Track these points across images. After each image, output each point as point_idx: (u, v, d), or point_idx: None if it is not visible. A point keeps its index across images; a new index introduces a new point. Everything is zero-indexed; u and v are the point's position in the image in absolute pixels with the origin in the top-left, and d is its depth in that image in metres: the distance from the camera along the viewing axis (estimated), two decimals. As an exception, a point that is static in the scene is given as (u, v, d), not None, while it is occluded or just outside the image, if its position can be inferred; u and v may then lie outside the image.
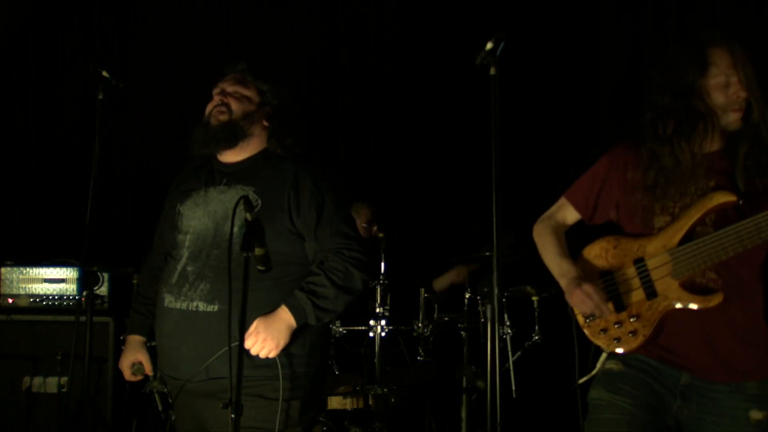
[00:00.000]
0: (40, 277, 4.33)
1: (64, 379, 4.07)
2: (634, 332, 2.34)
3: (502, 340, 4.08)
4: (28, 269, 4.33)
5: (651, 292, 2.33)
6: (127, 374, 2.93)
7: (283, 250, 2.67)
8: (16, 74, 5.22)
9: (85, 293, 3.25)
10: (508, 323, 4.12)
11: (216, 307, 2.59)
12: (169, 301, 2.69)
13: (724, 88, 2.30)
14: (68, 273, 4.32)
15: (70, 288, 4.31)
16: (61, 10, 5.24)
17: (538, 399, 4.33)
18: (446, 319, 4.26)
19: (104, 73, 3.24)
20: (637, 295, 2.35)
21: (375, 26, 5.24)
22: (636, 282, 2.36)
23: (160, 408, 4.01)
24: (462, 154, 4.89)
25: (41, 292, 4.31)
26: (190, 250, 2.70)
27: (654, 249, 2.34)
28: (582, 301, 2.35)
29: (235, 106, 2.79)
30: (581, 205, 2.55)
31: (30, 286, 4.31)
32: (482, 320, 4.02)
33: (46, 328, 4.21)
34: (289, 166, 2.76)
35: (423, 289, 4.17)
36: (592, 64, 4.90)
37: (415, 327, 4.10)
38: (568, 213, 2.58)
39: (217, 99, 2.82)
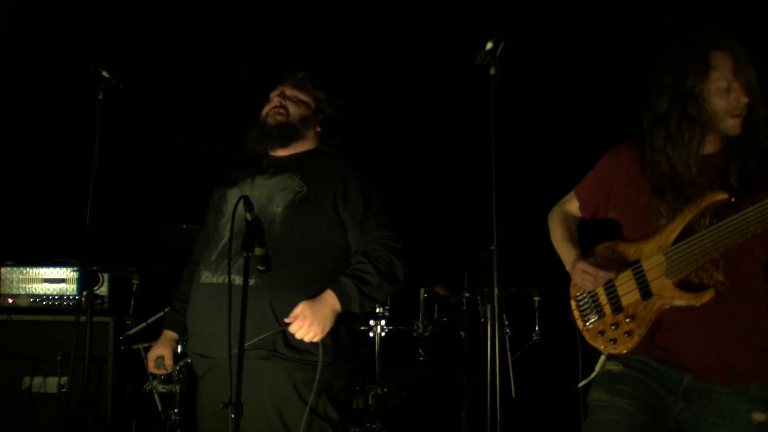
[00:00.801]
0: (40, 277, 4.33)
1: (64, 379, 4.08)
2: (629, 333, 2.34)
3: (502, 340, 4.07)
4: (28, 269, 4.33)
5: (646, 293, 2.34)
6: (151, 365, 3.01)
7: (323, 236, 2.76)
8: (16, 74, 5.22)
9: (85, 293, 3.26)
10: (507, 323, 4.11)
11: (252, 281, 2.61)
12: (205, 277, 2.75)
13: (725, 92, 2.29)
14: (68, 273, 4.32)
15: (70, 288, 4.31)
16: (61, 10, 5.24)
17: (538, 399, 4.33)
18: (446, 319, 4.26)
19: (104, 73, 3.26)
20: (633, 296, 2.36)
21: (375, 26, 5.23)
22: (632, 284, 2.37)
23: (160, 408, 4.01)
24: (462, 154, 4.89)
25: (41, 292, 4.31)
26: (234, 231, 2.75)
27: (650, 250, 2.35)
28: (582, 279, 2.40)
29: (292, 109, 2.94)
30: (585, 203, 2.59)
31: (30, 286, 4.32)
32: (482, 320, 4.02)
33: (46, 328, 4.21)
34: (339, 161, 2.90)
35: (423, 289, 4.17)
36: (591, 63, 4.89)
37: (415, 327, 4.10)
38: (574, 207, 2.63)
39: (276, 101, 2.97)
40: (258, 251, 2.43)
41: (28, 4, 5.23)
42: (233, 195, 2.87)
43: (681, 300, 2.27)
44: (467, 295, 4.26)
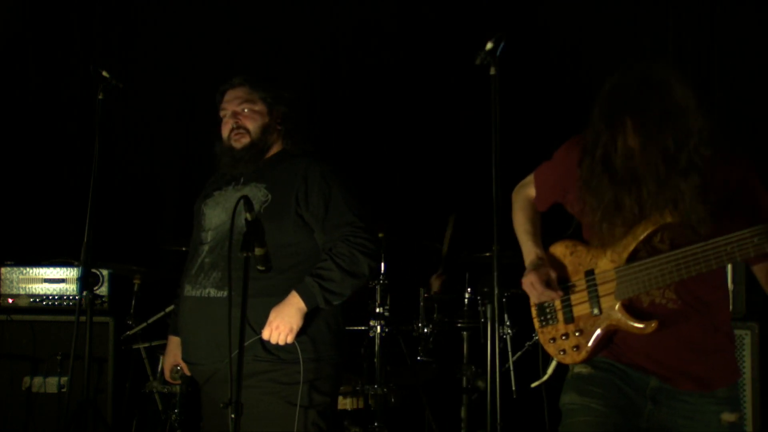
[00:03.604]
0: (40, 277, 4.32)
1: (64, 379, 4.07)
2: (577, 347, 2.34)
3: (502, 340, 4.07)
4: (28, 269, 4.33)
5: (596, 308, 2.32)
6: (167, 375, 3.08)
7: (292, 241, 2.82)
8: (16, 74, 5.21)
9: (85, 293, 3.26)
10: (508, 323, 4.11)
11: (225, 293, 2.71)
12: (187, 290, 2.85)
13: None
14: (68, 273, 4.32)
15: (70, 288, 4.30)
16: (61, 10, 5.24)
17: (538, 399, 4.32)
18: (446, 319, 4.25)
19: (104, 73, 3.26)
20: (584, 308, 2.35)
21: (375, 26, 5.23)
22: (584, 295, 2.35)
23: (160, 408, 4.01)
24: (462, 153, 4.89)
25: (41, 292, 4.30)
26: (210, 244, 2.86)
27: (604, 263, 2.32)
28: (528, 290, 2.40)
29: (251, 125, 2.93)
30: (541, 198, 2.54)
31: (30, 286, 4.31)
32: (482, 320, 4.02)
33: (46, 328, 4.21)
34: (300, 162, 2.90)
35: (423, 289, 4.17)
36: (592, 63, 4.89)
37: (415, 327, 4.10)
38: (534, 192, 2.58)
39: (231, 123, 2.95)
40: (258, 251, 2.43)
41: (28, 4, 5.22)
42: (210, 208, 2.93)
43: (626, 326, 2.25)
44: (467, 295, 4.26)
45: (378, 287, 4.01)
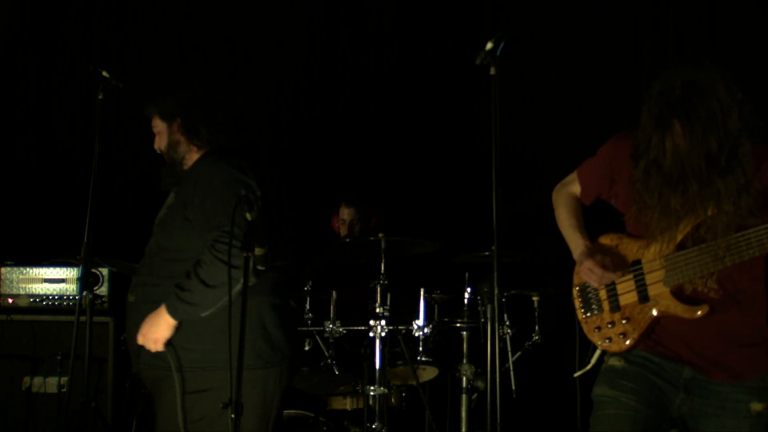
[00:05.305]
0: (40, 277, 4.33)
1: (64, 379, 4.08)
2: (624, 334, 2.38)
3: (502, 340, 4.08)
4: (28, 269, 4.33)
5: (643, 297, 2.37)
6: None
7: (178, 247, 2.73)
8: (15, 74, 5.22)
9: (85, 293, 3.26)
10: (507, 323, 4.11)
11: (133, 298, 2.80)
12: None
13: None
14: (68, 273, 4.32)
15: (70, 288, 4.31)
16: (61, 10, 5.24)
17: (538, 399, 4.32)
18: (446, 319, 4.25)
19: (104, 73, 3.27)
20: (631, 297, 2.39)
21: (374, 26, 5.23)
22: (631, 284, 2.39)
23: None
24: (462, 153, 4.89)
25: (41, 292, 4.31)
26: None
27: (652, 253, 2.36)
28: (588, 276, 2.43)
29: (161, 146, 2.93)
30: (586, 191, 2.58)
31: (30, 286, 4.31)
32: (482, 320, 4.02)
33: (46, 328, 4.21)
34: (196, 164, 2.85)
35: (423, 289, 4.16)
36: (592, 63, 4.89)
37: (415, 327, 4.10)
38: (578, 189, 2.62)
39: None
40: (258, 251, 2.43)
41: (28, 4, 5.22)
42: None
43: (676, 311, 2.30)
44: (467, 295, 4.25)
45: (378, 287, 4.01)
